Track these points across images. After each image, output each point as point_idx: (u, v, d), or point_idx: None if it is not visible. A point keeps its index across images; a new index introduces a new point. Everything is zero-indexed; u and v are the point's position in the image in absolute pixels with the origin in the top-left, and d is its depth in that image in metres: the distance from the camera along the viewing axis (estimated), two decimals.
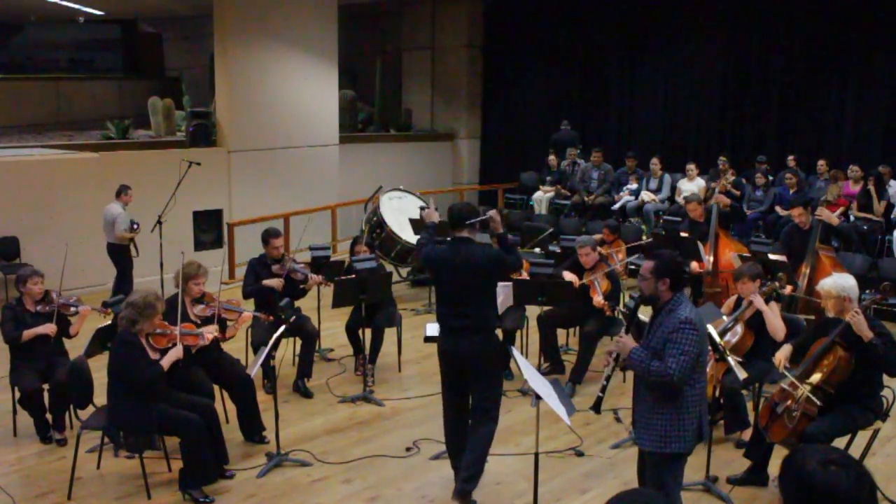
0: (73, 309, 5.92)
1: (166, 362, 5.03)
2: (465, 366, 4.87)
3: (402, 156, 14.68)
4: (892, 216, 9.83)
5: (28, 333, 5.76)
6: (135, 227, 8.91)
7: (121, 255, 9.02)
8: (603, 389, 4.50)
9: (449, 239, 4.97)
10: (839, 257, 8.21)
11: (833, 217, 7.42)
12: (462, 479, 4.90)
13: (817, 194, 10.18)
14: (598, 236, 8.42)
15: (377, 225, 9.99)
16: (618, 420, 6.30)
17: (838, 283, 4.95)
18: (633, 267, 10.54)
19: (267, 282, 6.86)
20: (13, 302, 5.95)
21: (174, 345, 5.16)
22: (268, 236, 7.04)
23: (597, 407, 4.52)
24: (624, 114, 13.95)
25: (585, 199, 12.24)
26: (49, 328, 5.80)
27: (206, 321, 5.82)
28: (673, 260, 4.19)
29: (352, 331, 7.23)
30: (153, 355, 5.09)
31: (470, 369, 4.88)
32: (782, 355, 5.13)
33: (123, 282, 9.01)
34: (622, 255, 8.39)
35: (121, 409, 4.99)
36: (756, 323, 5.78)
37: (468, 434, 4.95)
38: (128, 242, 9.00)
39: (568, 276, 7.08)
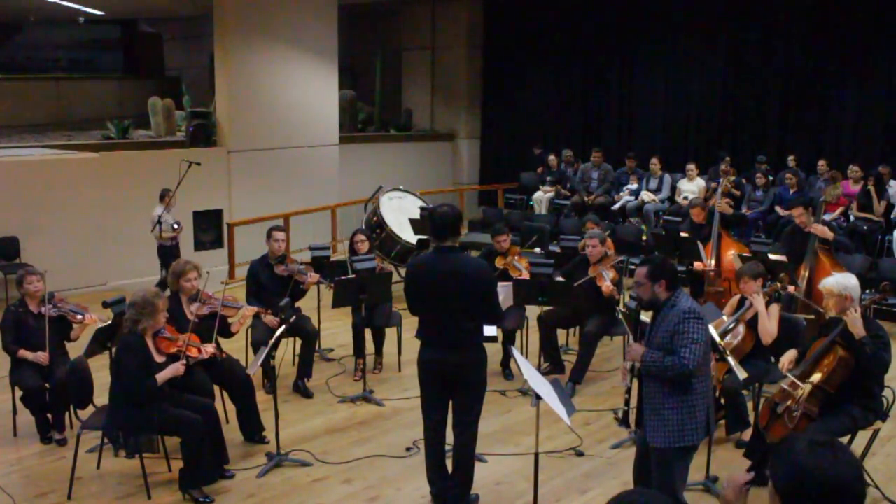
0: (79, 317, 5.94)
1: (162, 378, 4.96)
2: (453, 378, 4.66)
3: (402, 156, 14.69)
4: (892, 216, 9.84)
5: (22, 353, 5.76)
6: (175, 226, 9.17)
7: (166, 255, 9.12)
8: (627, 402, 4.56)
9: (432, 249, 4.68)
10: (839, 258, 8.20)
11: (827, 231, 7.43)
12: (454, 499, 4.82)
13: (817, 194, 10.19)
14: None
15: (377, 225, 9.98)
16: (617, 420, 6.29)
17: (840, 281, 4.94)
18: (632, 267, 10.61)
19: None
20: (16, 304, 5.93)
21: (179, 352, 5.15)
22: (271, 229, 7.15)
23: (626, 421, 4.55)
24: (624, 114, 13.94)
25: (585, 199, 12.23)
26: (41, 357, 5.76)
27: (204, 319, 5.81)
28: (664, 261, 4.31)
29: (357, 331, 7.23)
30: (158, 358, 5.08)
31: (457, 381, 4.67)
32: (787, 359, 5.12)
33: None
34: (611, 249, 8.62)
35: (121, 410, 4.99)
36: (757, 324, 5.77)
37: (454, 453, 4.87)
38: (170, 242, 9.20)
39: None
